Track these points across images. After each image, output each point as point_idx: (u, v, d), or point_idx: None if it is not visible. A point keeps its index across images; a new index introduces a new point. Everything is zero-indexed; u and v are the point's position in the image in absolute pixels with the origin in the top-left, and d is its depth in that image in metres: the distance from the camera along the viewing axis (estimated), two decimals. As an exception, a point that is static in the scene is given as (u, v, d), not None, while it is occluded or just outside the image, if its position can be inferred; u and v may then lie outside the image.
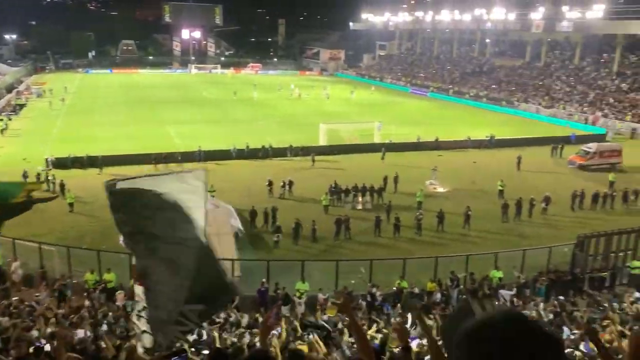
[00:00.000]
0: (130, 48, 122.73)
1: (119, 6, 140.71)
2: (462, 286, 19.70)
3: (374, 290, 18.82)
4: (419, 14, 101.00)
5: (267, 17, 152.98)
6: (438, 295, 18.91)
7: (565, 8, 70.69)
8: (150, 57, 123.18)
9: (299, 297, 18.76)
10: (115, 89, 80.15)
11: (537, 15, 75.17)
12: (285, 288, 18.76)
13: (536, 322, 1.62)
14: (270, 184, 31.73)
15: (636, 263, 20.85)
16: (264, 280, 19.16)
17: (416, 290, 19.20)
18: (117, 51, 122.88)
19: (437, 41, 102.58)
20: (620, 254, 21.37)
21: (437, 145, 44.49)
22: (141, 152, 38.03)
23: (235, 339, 12.78)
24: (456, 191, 33.30)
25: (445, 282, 19.73)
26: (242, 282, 19.72)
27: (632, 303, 15.69)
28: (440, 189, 33.71)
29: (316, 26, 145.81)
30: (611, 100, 60.81)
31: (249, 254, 23.37)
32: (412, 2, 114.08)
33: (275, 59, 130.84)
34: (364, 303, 18.13)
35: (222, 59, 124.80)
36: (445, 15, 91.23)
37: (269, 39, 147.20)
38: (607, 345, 9.72)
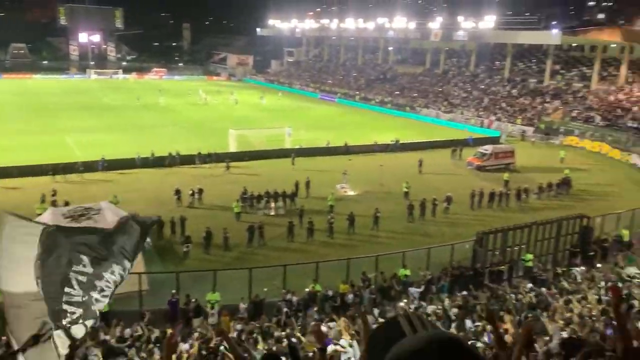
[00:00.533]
0: (22, 52, 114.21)
1: (6, 7, 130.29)
2: (373, 286, 20.27)
3: (288, 296, 18.83)
4: (325, 21, 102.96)
5: (172, 21, 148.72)
6: (350, 296, 19.29)
7: (460, 18, 75.26)
8: (45, 62, 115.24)
9: (211, 308, 18.36)
10: (7, 95, 74.13)
11: (435, 24, 79.25)
12: (197, 300, 18.29)
13: (472, 351, 1.49)
14: (178, 192, 30.78)
15: (529, 256, 22.53)
16: (174, 291, 18.56)
17: (330, 292, 19.46)
18: (6, 55, 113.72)
19: (343, 48, 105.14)
20: (516, 248, 22.99)
21: (346, 150, 45.50)
22: (37, 163, 35.47)
23: (145, 355, 12.27)
24: (365, 194, 34.23)
25: (357, 284, 20.19)
26: (151, 296, 18.98)
27: (526, 293, 16.93)
28: (350, 192, 34.47)
29: (223, 31, 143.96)
30: (503, 104, 65.43)
31: (157, 266, 22.52)
32: (318, 10, 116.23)
33: (181, 64, 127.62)
34: (285, 309, 18.05)
35: (124, 63, 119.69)
36: (350, 24, 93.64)
37: (174, 44, 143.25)
38: (506, 334, 10.41)
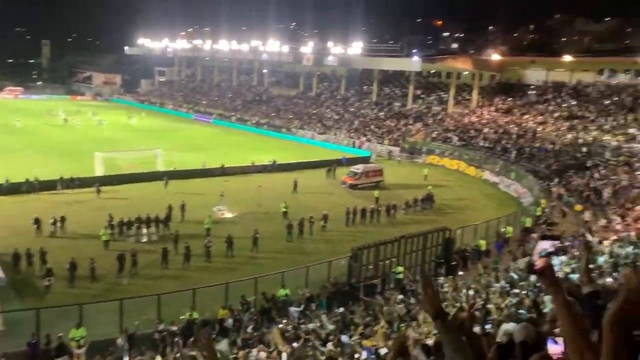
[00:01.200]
0: None
1: None
2: (252, 309, 20.11)
3: (161, 326, 18.01)
4: (198, 42, 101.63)
5: (29, 37, 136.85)
6: (230, 321, 18.95)
7: (330, 44, 78.56)
8: None
9: (78, 347, 16.82)
10: None
11: (307, 49, 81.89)
12: (61, 337, 16.76)
13: None
14: (38, 221, 28.14)
15: (399, 268, 23.88)
16: (34, 332, 16.85)
17: (208, 318, 18.94)
18: None
19: (217, 69, 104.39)
20: (387, 261, 24.25)
21: (223, 171, 44.94)
22: None
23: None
24: (244, 215, 34.00)
25: (236, 308, 19.89)
26: (7, 337, 17.07)
27: (397, 304, 17.88)
28: (228, 215, 34.02)
29: (87, 49, 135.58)
30: (372, 126, 69.11)
31: (14, 303, 20.33)
32: (191, 30, 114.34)
33: (40, 82, 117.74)
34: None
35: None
36: (224, 45, 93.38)
37: (32, 61, 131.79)
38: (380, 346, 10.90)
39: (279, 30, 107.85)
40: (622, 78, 59.24)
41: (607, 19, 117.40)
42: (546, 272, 2.45)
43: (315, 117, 76.68)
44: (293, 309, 19.78)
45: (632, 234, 22.97)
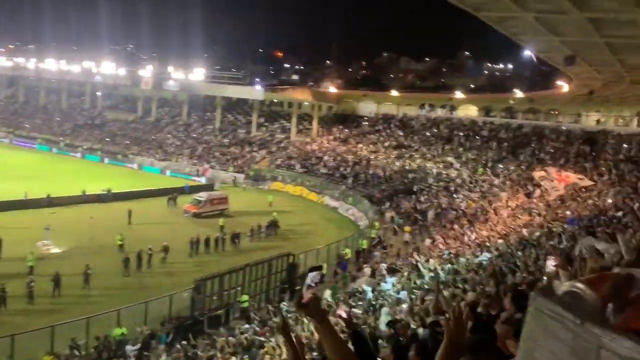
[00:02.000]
0: None
1: None
2: (84, 352, 18.37)
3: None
4: (20, 60, 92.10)
5: None
6: (57, 369, 17.09)
7: (171, 68, 76.61)
8: None
9: None
10: None
11: (146, 72, 78.86)
12: None
13: None
14: None
15: (244, 297, 23.75)
16: None
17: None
18: None
19: (44, 90, 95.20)
20: (232, 290, 23.97)
21: (49, 202, 40.75)
22: None
23: None
24: (74, 250, 31.08)
25: (64, 353, 18.01)
26: None
27: (242, 333, 17.71)
28: (55, 250, 30.85)
29: None
30: (217, 153, 68.49)
31: None
32: (11, 46, 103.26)
33: None
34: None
35: None
36: (51, 64, 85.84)
37: None
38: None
39: (115, 51, 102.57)
40: (439, 112, 66.88)
41: (427, 59, 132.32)
42: (311, 304, 2.44)
43: (155, 143, 73.66)
44: (129, 348, 18.50)
45: (452, 252, 25.76)
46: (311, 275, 2.78)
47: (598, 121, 53.64)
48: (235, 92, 72.89)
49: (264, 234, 38.35)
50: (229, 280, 23.83)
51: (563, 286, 1.69)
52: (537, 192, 37.90)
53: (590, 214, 24.02)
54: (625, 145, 42.82)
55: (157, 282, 27.53)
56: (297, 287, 26.52)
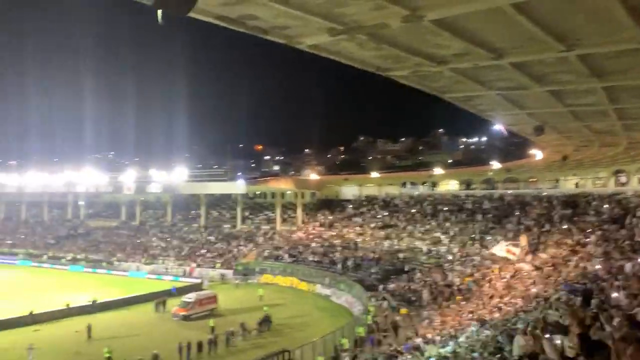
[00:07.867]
0: None
1: None
2: None
3: None
4: (1, 176, 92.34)
5: None
6: None
7: (153, 171, 77.40)
8: None
9: None
10: None
11: (128, 177, 79.42)
12: None
13: None
14: None
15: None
16: None
17: None
18: None
19: (25, 205, 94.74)
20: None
21: (32, 320, 39.21)
22: None
23: None
24: (58, 369, 29.58)
25: None
26: None
27: None
28: (38, 371, 29.28)
29: None
30: (203, 251, 67.69)
31: None
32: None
33: None
34: None
35: None
36: (33, 178, 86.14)
37: None
38: None
39: (97, 160, 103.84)
40: (421, 189, 67.87)
41: (402, 139, 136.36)
42: None
43: (140, 247, 72.75)
44: None
45: (451, 330, 25.08)
46: None
47: (577, 184, 54.81)
48: (218, 188, 73.52)
49: (257, 332, 37.03)
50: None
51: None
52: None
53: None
54: (606, 206, 43.42)
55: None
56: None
